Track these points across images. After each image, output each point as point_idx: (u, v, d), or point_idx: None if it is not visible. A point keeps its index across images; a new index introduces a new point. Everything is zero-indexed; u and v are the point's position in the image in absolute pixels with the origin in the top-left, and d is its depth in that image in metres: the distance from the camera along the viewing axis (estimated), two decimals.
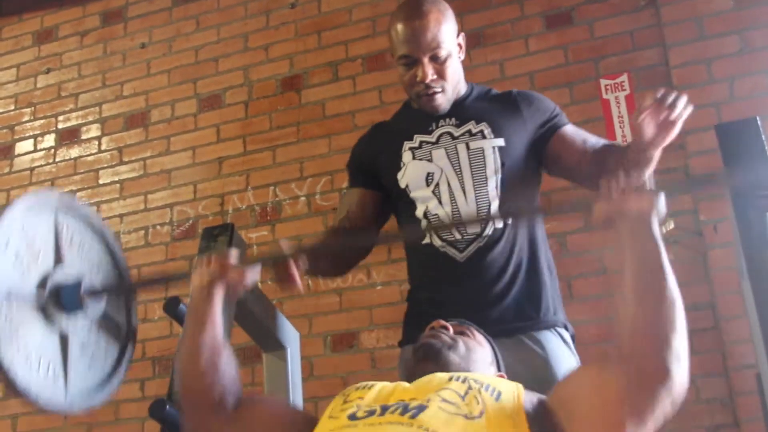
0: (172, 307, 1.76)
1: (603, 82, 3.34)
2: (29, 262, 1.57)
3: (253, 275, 1.57)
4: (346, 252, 1.99)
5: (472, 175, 1.85)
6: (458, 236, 1.82)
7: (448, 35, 1.86)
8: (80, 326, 1.64)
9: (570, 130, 1.95)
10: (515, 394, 1.24)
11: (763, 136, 1.56)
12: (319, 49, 3.87)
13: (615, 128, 3.23)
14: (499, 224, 1.82)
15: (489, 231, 1.81)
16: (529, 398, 1.24)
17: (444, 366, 1.40)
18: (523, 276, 1.83)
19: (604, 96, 3.32)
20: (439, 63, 1.86)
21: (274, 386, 2.16)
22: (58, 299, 1.58)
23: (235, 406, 1.40)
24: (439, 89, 1.88)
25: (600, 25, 3.41)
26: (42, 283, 1.58)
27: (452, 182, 1.85)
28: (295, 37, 3.94)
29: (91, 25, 4.37)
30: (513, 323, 1.78)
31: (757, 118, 1.61)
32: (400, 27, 1.86)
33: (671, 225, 3.06)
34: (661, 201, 1.34)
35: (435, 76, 1.86)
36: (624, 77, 3.31)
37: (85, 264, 1.72)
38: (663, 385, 1.13)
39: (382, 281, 3.40)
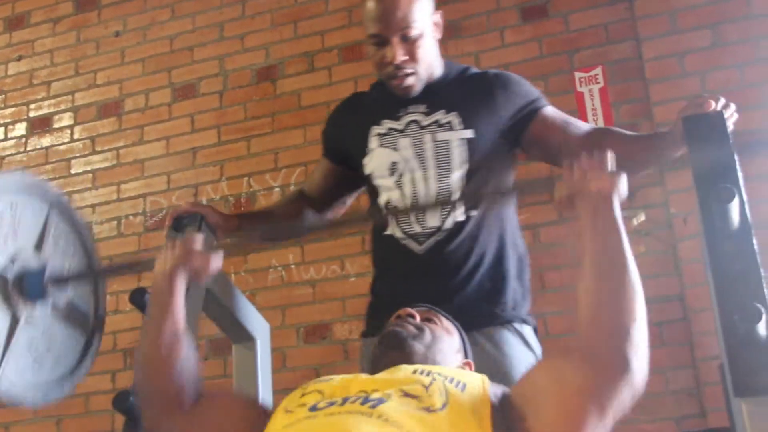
0: (138, 298, 1.72)
1: (577, 74, 3.35)
2: (7, 235, 1.55)
3: (218, 262, 1.54)
4: (281, 228, 2.01)
5: (437, 166, 1.80)
6: (418, 229, 1.79)
7: (421, 13, 1.77)
8: (39, 315, 1.60)
9: (550, 111, 1.88)
10: (481, 386, 1.23)
11: (728, 129, 1.57)
12: (295, 39, 3.85)
13: (588, 120, 3.24)
14: (461, 218, 1.77)
15: (449, 224, 1.77)
16: (494, 391, 1.24)
17: (409, 355, 1.39)
18: (484, 271, 1.78)
19: (579, 89, 3.33)
20: (410, 43, 1.77)
21: (244, 378, 2.14)
22: (21, 282, 1.55)
23: (193, 401, 1.38)
24: (411, 71, 1.80)
25: (575, 18, 3.42)
26: (12, 260, 1.55)
27: (416, 173, 1.81)
28: (271, 26, 3.92)
29: (64, 12, 4.31)
30: (469, 318, 1.69)
31: (723, 112, 1.62)
32: (370, 4, 1.78)
33: (642, 217, 3.08)
34: (623, 181, 1.31)
35: (405, 57, 1.77)
36: (598, 70, 3.33)
37: (58, 256, 1.69)
38: (622, 376, 1.13)
39: (355, 272, 3.40)
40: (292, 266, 3.54)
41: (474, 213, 1.78)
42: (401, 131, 1.85)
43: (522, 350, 1.74)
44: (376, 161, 1.86)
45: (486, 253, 1.80)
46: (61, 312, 1.66)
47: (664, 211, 3.05)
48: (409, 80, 1.81)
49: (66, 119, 4.15)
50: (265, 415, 1.30)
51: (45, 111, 4.20)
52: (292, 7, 3.90)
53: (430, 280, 1.76)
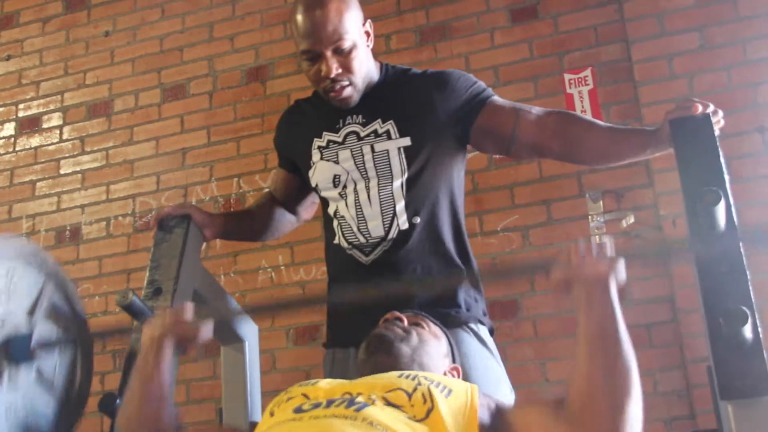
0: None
1: (567, 76, 3.36)
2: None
3: (207, 332, 1.52)
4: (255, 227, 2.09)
5: (378, 176, 1.80)
6: (363, 240, 1.79)
7: (351, 24, 1.74)
8: (22, 380, 1.55)
9: (498, 101, 1.86)
10: (468, 393, 1.23)
11: (715, 132, 1.57)
12: (285, 39, 3.84)
13: None
14: (404, 226, 1.77)
15: (394, 234, 1.77)
16: (485, 401, 1.24)
17: (395, 357, 1.39)
18: (435, 276, 1.78)
19: (568, 90, 3.34)
20: (343, 56, 1.74)
21: (233, 380, 2.14)
22: (7, 344, 1.51)
23: None
24: (347, 83, 1.78)
25: (564, 20, 3.43)
26: (1, 322, 1.51)
27: (358, 184, 1.81)
28: (261, 27, 3.91)
29: (54, 12, 4.30)
30: None
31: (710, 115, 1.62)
32: (299, 19, 1.73)
33: (631, 219, 3.09)
34: (621, 266, 1.29)
35: (340, 70, 1.75)
36: (588, 72, 3.34)
37: (48, 323, 1.64)
38: None
39: None
40: (282, 267, 3.53)
41: (417, 220, 1.78)
42: (341, 143, 1.85)
43: (478, 348, 1.73)
44: (319, 174, 1.87)
45: (434, 259, 1.79)
46: (45, 381, 1.61)
47: (654, 212, 3.06)
48: (347, 91, 1.80)
49: (55, 119, 4.13)
50: None
51: (34, 111, 4.18)
52: (281, 8, 3.89)
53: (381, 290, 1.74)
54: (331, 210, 1.87)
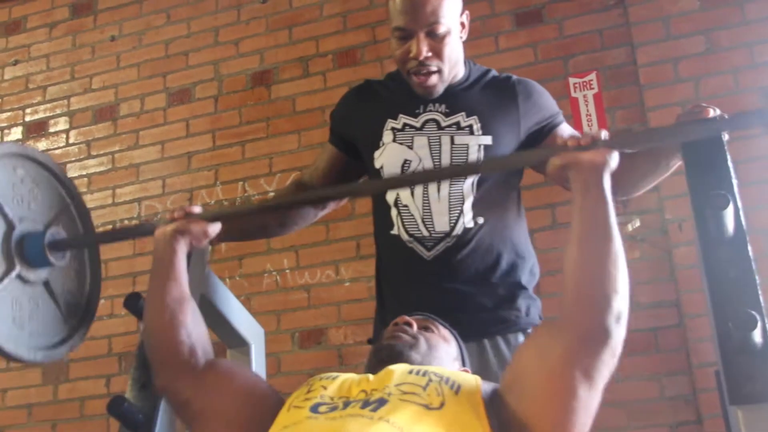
0: (132, 303, 1.71)
1: (571, 80, 3.36)
2: (22, 199, 1.59)
3: (215, 227, 1.57)
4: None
5: None
6: (426, 233, 1.74)
7: (449, 10, 1.71)
8: (32, 279, 1.59)
9: (565, 128, 1.85)
10: (475, 385, 1.24)
11: (723, 134, 1.57)
12: (290, 44, 3.85)
13: (583, 126, 3.25)
14: (469, 224, 1.73)
15: (458, 231, 1.73)
16: (485, 388, 1.24)
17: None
18: (497, 279, 1.76)
19: (573, 94, 3.33)
20: (436, 40, 1.70)
21: None
22: (21, 250, 1.56)
23: (204, 365, 1.40)
24: (434, 68, 1.73)
25: (569, 24, 3.43)
26: (19, 220, 1.57)
27: None
28: (266, 32, 3.92)
29: (60, 17, 4.31)
30: (484, 326, 1.73)
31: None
32: None
33: (637, 223, 3.09)
34: (615, 157, 1.35)
35: (430, 54, 1.70)
36: (592, 76, 3.33)
37: (47, 215, 1.69)
38: (603, 344, 1.18)
39: (350, 278, 3.39)
40: (287, 271, 3.53)
41: (482, 220, 1.75)
42: (418, 129, 1.79)
43: None
44: (388, 156, 1.80)
45: (498, 261, 1.77)
46: (54, 288, 1.65)
47: (660, 217, 3.06)
48: (432, 79, 1.75)
49: (61, 123, 4.15)
50: (279, 400, 1.31)
51: (41, 115, 4.19)
52: (286, 12, 3.90)
53: (442, 288, 1.73)
54: (390, 198, 1.79)
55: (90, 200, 3.95)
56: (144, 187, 3.89)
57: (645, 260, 3.03)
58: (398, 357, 1.39)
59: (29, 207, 1.64)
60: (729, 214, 1.35)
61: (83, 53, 4.21)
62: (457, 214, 1.74)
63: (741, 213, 1.38)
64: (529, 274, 1.83)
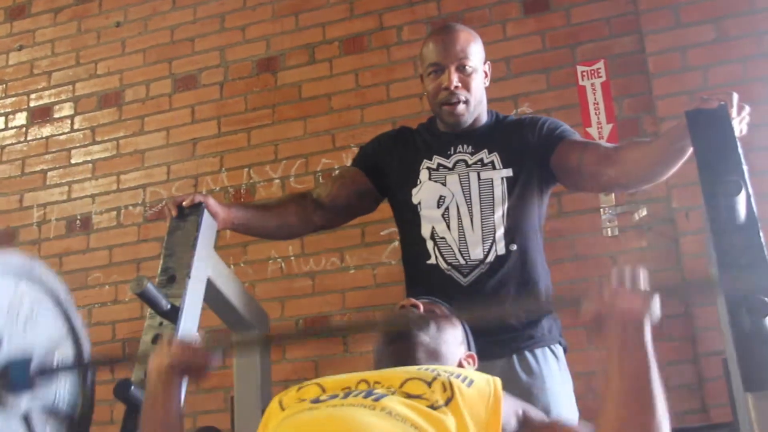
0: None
1: (579, 68, 3.34)
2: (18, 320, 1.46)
3: (215, 360, 1.46)
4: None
5: (481, 203, 1.95)
6: (462, 261, 1.92)
7: (476, 53, 1.98)
8: (22, 409, 1.45)
9: (575, 138, 2.01)
10: (491, 384, 1.23)
11: (732, 123, 1.56)
12: (296, 30, 3.84)
13: (590, 114, 3.24)
14: (502, 252, 1.92)
15: (491, 258, 1.91)
16: (511, 401, 1.24)
17: (414, 346, 1.39)
18: (526, 300, 1.93)
19: (581, 82, 3.32)
20: (464, 74, 1.95)
21: (243, 370, 2.14)
22: (6, 376, 1.42)
23: None
24: (463, 98, 1.96)
25: (577, 12, 3.41)
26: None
27: (461, 208, 1.95)
28: (272, 18, 3.90)
29: (65, 2, 4.29)
30: (511, 343, 1.89)
31: (728, 105, 1.61)
32: (432, 41, 2.00)
33: (644, 212, 3.07)
34: (656, 303, 1.17)
35: (459, 84, 1.94)
36: (600, 64, 3.31)
37: (40, 339, 1.54)
38: None
39: (355, 265, 3.39)
40: (292, 258, 3.53)
41: (514, 247, 1.93)
42: (450, 168, 2.01)
43: (557, 370, 1.92)
44: (425, 192, 2.00)
45: (527, 285, 1.94)
46: (45, 409, 1.53)
47: (666, 205, 3.05)
48: (460, 108, 1.97)
49: (66, 109, 4.13)
50: None
51: (45, 101, 4.18)
52: None
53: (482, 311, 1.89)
54: (425, 232, 1.98)
55: (94, 186, 3.95)
56: (149, 174, 3.88)
57: (652, 249, 3.02)
58: (408, 336, 1.39)
59: (24, 329, 1.50)
60: (741, 200, 1.34)
61: (88, 39, 4.20)
62: (490, 243, 1.93)
63: (752, 199, 1.37)
64: (545, 293, 2.03)
